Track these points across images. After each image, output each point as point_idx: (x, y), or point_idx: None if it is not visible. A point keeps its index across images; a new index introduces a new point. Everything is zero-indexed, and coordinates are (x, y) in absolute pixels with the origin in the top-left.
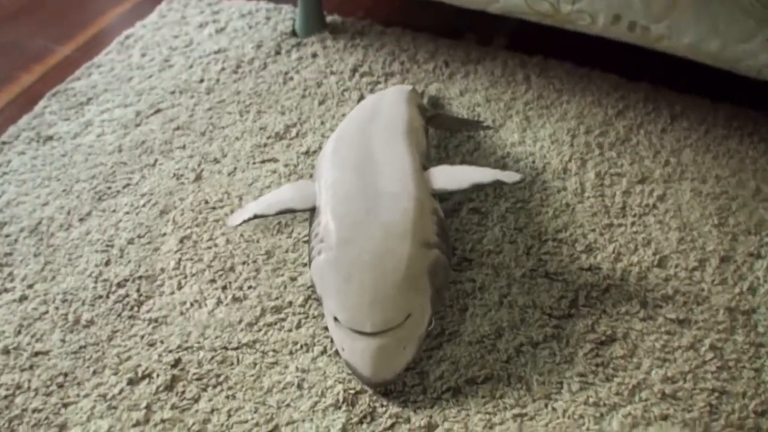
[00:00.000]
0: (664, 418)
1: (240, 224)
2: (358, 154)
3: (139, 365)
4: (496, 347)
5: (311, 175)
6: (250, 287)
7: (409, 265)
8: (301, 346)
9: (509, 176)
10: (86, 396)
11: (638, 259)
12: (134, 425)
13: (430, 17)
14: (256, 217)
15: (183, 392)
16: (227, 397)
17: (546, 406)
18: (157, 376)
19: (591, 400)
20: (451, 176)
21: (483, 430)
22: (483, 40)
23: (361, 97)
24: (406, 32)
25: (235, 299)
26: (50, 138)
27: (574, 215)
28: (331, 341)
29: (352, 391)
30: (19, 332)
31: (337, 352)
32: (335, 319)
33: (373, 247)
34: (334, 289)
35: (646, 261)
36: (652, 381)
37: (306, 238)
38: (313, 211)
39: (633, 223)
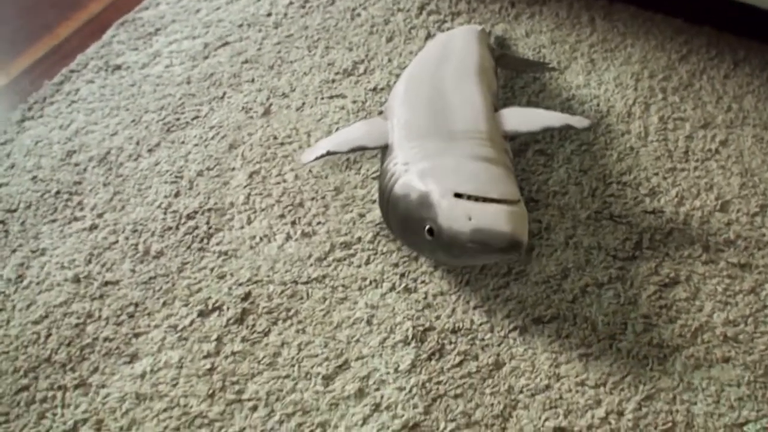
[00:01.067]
0: (726, 360)
1: (313, 161)
2: (430, 93)
3: (209, 297)
4: (561, 287)
5: (380, 112)
6: (319, 223)
7: (503, 170)
8: (371, 282)
9: (579, 121)
10: (156, 327)
11: (701, 204)
12: (204, 357)
13: None
14: (329, 153)
15: (253, 325)
16: (297, 331)
17: (610, 346)
18: (227, 308)
19: (654, 341)
20: (522, 118)
21: (549, 369)
22: None
23: (429, 35)
24: None
25: (304, 234)
26: (119, 67)
27: (638, 159)
28: (400, 276)
29: (421, 328)
30: (90, 261)
31: (407, 288)
32: (457, 195)
33: (464, 159)
34: (447, 173)
35: (709, 205)
36: (714, 324)
37: (375, 175)
38: (385, 149)
39: (696, 168)
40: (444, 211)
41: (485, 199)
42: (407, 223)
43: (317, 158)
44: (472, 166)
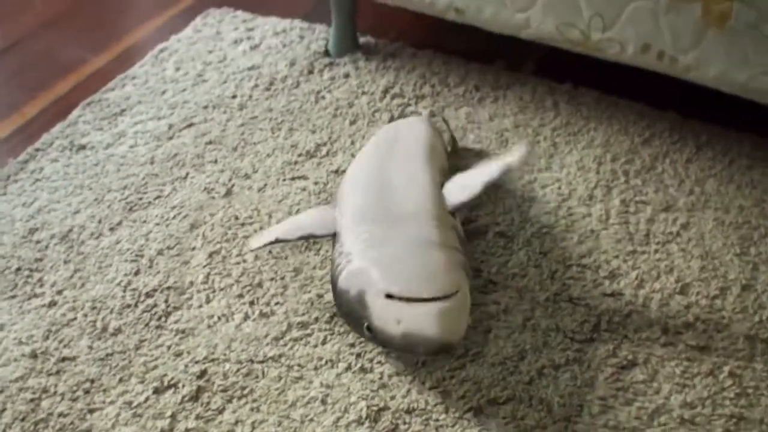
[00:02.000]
0: None
1: (261, 248)
2: (378, 178)
3: (166, 375)
4: (518, 369)
5: (328, 202)
6: (277, 303)
7: (446, 254)
8: (326, 362)
9: (516, 154)
10: (112, 403)
11: (660, 286)
12: None
13: (462, 41)
14: (277, 241)
15: (208, 403)
16: (252, 409)
17: (566, 428)
18: (183, 386)
19: (611, 423)
20: (462, 187)
21: None
22: (513, 65)
23: (392, 118)
24: (437, 55)
25: (262, 314)
26: (83, 147)
27: (599, 241)
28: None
29: (375, 408)
30: (47, 337)
31: (362, 369)
32: (388, 296)
33: (405, 247)
34: (382, 270)
35: (668, 288)
36: (671, 406)
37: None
38: (335, 236)
39: (656, 251)
40: (376, 312)
41: (417, 299)
42: (350, 316)
43: (265, 245)
44: (411, 259)
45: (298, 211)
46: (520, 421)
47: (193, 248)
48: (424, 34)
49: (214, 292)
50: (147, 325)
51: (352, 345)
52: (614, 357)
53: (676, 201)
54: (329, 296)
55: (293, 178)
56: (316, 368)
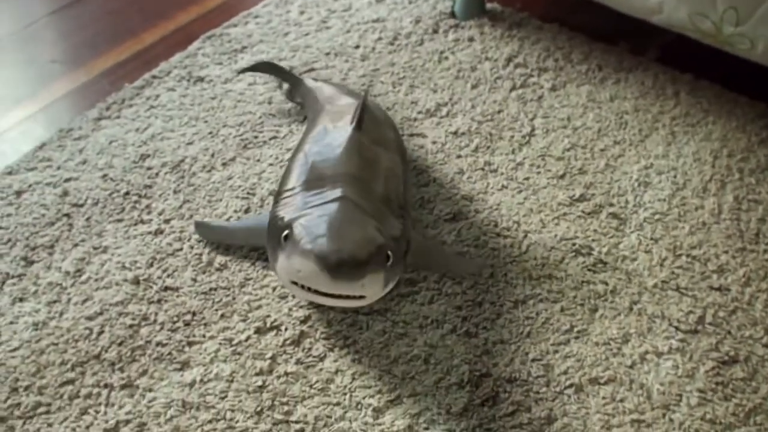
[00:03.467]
0: None
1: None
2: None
3: (269, 316)
4: (621, 351)
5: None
6: None
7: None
8: (432, 321)
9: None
10: (212, 338)
11: (767, 286)
12: (257, 374)
13: (586, 19)
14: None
15: (309, 349)
16: (353, 360)
17: (664, 416)
18: (285, 329)
19: (708, 416)
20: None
21: (600, 430)
22: (636, 49)
23: (514, 87)
24: (562, 30)
25: None
26: (201, 79)
27: (709, 235)
28: (462, 320)
29: (477, 373)
30: (151, 265)
31: (467, 333)
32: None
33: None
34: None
35: None
36: None
37: (447, 216)
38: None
39: (765, 251)
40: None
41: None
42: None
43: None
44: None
45: (414, 168)
46: (619, 403)
47: None
48: (550, 7)
49: None
50: (254, 264)
51: (459, 308)
52: (716, 351)
53: None
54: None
55: (411, 135)
56: (420, 327)
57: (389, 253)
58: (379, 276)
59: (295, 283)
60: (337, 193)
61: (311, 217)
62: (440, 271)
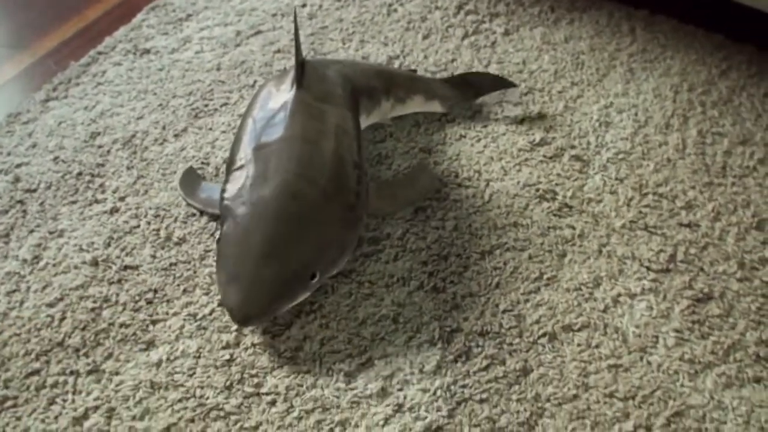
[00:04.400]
0: (758, 380)
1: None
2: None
3: None
4: (593, 296)
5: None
6: None
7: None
8: (398, 279)
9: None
10: (175, 314)
11: (737, 220)
12: (224, 347)
13: None
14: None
15: (275, 318)
16: (321, 325)
17: (641, 359)
18: None
19: (686, 356)
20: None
21: (578, 378)
22: None
23: (466, 35)
24: None
25: None
26: (147, 51)
27: (675, 171)
28: (429, 275)
29: (448, 329)
30: (109, 245)
31: (435, 288)
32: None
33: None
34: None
35: (745, 222)
36: (746, 342)
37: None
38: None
39: (733, 184)
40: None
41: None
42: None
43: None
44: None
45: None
46: (595, 349)
47: None
48: None
49: None
50: (212, 235)
51: (425, 263)
52: (690, 289)
53: (753, 135)
54: (403, 212)
55: None
56: (387, 286)
57: (315, 272)
58: (300, 296)
59: None
60: (277, 181)
61: (236, 233)
62: (406, 206)
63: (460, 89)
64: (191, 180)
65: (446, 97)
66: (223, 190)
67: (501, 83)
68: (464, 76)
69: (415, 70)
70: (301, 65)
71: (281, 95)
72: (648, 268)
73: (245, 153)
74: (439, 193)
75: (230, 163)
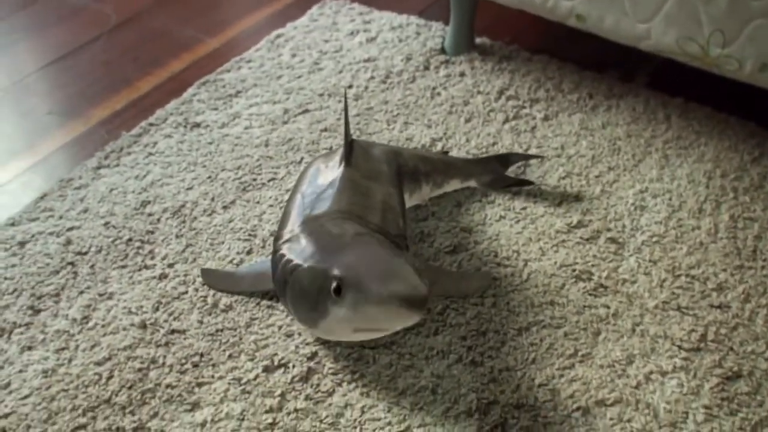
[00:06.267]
0: None
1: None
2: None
3: (276, 354)
4: (626, 372)
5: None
6: None
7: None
8: (437, 352)
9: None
10: (220, 378)
11: (767, 302)
12: (267, 411)
13: (575, 49)
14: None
15: (318, 384)
16: (362, 394)
17: None
18: (293, 366)
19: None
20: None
21: None
22: (626, 76)
23: (506, 119)
24: (552, 61)
25: None
26: (197, 125)
27: (707, 254)
28: (467, 349)
29: (485, 401)
30: (157, 309)
31: (473, 362)
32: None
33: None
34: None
35: None
36: None
37: (447, 249)
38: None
39: (763, 267)
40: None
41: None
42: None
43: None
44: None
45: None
46: (627, 423)
47: None
48: (538, 39)
49: None
50: (258, 304)
51: (464, 338)
52: (720, 368)
53: None
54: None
55: None
56: (426, 358)
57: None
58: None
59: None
60: (348, 230)
61: (351, 261)
62: (449, 293)
63: (491, 165)
64: (217, 275)
65: (479, 174)
66: (284, 259)
67: (527, 156)
68: (493, 155)
69: (447, 152)
70: (350, 144)
71: (330, 172)
72: (679, 347)
73: (296, 223)
74: (479, 271)
75: (278, 237)
